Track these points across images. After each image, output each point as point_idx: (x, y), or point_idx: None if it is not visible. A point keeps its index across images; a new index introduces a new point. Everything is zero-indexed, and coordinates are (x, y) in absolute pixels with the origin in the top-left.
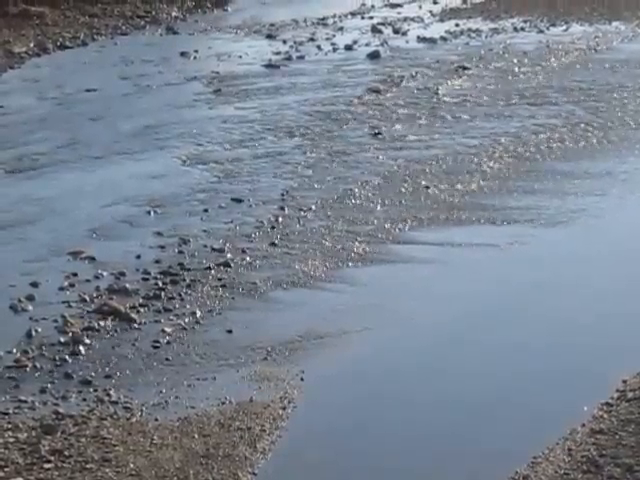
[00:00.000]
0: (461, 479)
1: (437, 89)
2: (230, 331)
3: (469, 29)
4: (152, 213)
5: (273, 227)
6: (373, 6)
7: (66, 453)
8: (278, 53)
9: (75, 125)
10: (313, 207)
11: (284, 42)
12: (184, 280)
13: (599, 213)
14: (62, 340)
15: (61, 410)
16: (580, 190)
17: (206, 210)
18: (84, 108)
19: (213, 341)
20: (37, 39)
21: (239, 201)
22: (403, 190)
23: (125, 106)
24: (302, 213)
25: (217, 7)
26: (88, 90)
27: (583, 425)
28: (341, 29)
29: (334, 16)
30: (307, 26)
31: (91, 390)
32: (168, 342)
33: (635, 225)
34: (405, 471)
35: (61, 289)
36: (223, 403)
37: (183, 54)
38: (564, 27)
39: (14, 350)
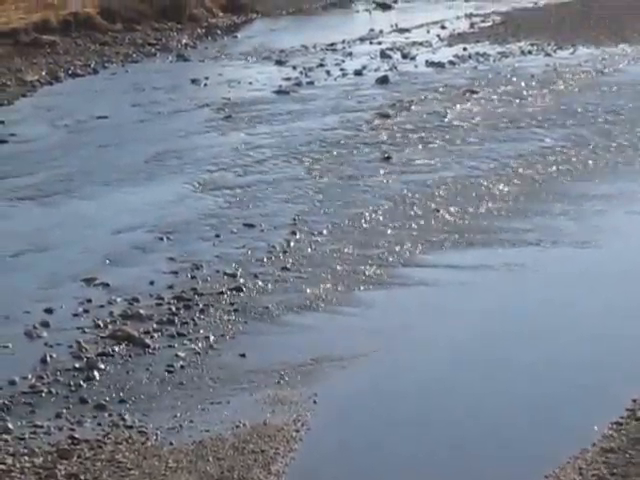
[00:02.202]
0: None
1: (446, 113)
2: (243, 355)
3: (477, 53)
4: (165, 239)
5: (285, 251)
6: (381, 31)
7: (82, 477)
8: (288, 79)
9: (87, 152)
10: (324, 231)
11: (294, 68)
12: (197, 305)
13: (607, 235)
14: (77, 365)
15: (76, 435)
16: (590, 211)
17: (218, 235)
18: (96, 135)
19: (226, 365)
20: (49, 67)
21: (251, 226)
22: (413, 213)
23: (137, 133)
24: (313, 237)
25: (227, 34)
26: (100, 117)
27: (594, 444)
28: (350, 54)
29: (343, 42)
30: (316, 52)
31: (106, 415)
32: (182, 367)
33: None
34: None
35: (75, 315)
36: (237, 426)
37: (194, 81)
38: (571, 50)
39: (29, 376)
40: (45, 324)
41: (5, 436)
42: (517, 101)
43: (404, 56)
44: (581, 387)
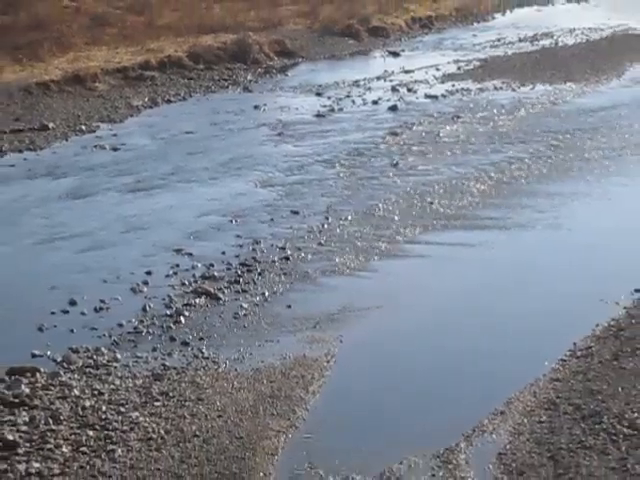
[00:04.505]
0: (454, 411)
1: (439, 132)
2: (289, 306)
3: (462, 88)
4: (233, 221)
5: (320, 231)
6: (392, 72)
7: (170, 394)
8: (324, 106)
9: (178, 158)
10: (349, 217)
11: (328, 98)
12: (256, 269)
13: (558, 220)
14: (168, 313)
15: (167, 363)
16: (546, 204)
17: (272, 219)
18: (185, 146)
19: (277, 314)
20: (150, 95)
21: (296, 213)
22: (414, 205)
23: (214, 144)
24: (341, 222)
25: (280, 73)
26: (187, 132)
27: (544, 375)
28: (369, 89)
29: (364, 79)
30: (345, 86)
31: (189, 349)
32: (245, 315)
33: (585, 226)
34: (426, 400)
35: (167, 276)
36: (284, 358)
37: (256, 107)
38: (531, 87)
39: (133, 320)
40: (145, 282)
41: (115, 364)
42: (491, 124)
43: (409, 90)
44: (535, 334)
